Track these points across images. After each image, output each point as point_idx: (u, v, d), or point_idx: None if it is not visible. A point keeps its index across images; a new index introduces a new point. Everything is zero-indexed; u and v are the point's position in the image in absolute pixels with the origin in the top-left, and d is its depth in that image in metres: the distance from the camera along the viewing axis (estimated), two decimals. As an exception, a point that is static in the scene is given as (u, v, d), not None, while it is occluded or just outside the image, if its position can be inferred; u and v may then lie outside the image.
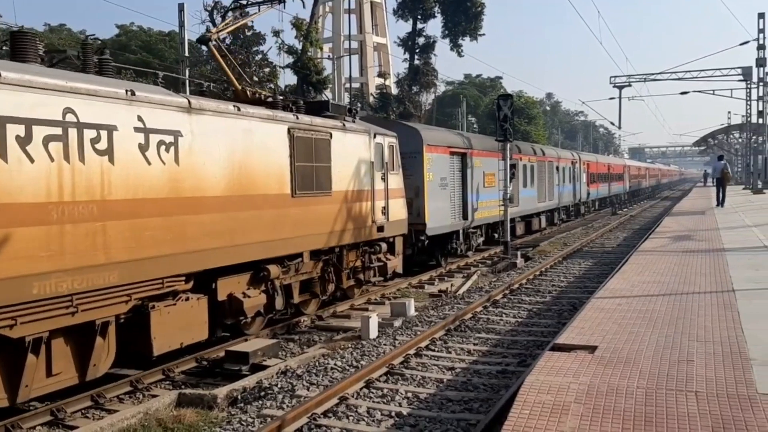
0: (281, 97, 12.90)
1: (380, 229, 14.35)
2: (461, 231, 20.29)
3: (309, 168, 11.80)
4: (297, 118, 11.68)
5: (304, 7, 38.79)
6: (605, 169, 47.42)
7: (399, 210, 15.45)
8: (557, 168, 32.54)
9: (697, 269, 12.46)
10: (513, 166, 23.43)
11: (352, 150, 13.30)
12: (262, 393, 8.29)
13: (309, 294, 12.63)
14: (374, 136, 14.24)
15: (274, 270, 11.01)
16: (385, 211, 14.57)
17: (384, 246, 14.72)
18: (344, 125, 13.08)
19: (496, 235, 24.09)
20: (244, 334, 10.97)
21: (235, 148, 10.07)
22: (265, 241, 10.68)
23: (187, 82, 25.20)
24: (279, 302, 11.37)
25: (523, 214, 26.98)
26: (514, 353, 10.00)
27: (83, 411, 8.17)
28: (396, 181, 15.39)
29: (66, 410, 7.95)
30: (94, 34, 10.32)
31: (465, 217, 20.50)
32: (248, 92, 12.24)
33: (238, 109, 10.24)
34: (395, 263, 15.29)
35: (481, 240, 22.71)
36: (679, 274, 11.96)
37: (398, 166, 15.57)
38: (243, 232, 10.15)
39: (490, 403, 7.74)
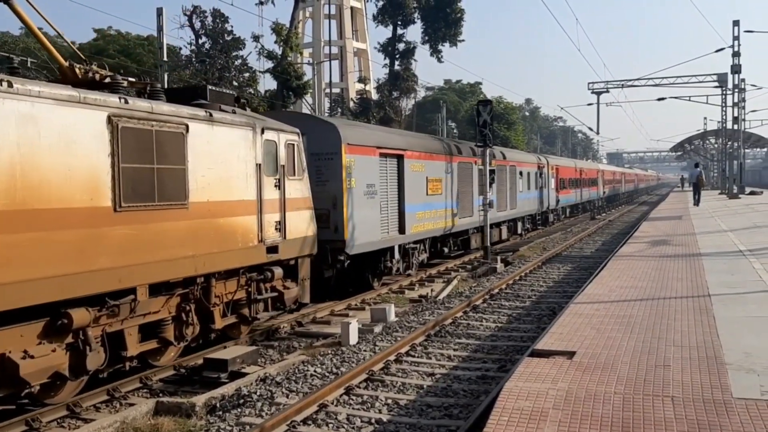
0: (133, 79, 10.13)
1: (272, 249, 11.34)
2: (397, 247, 17.22)
3: (147, 172, 8.76)
4: (125, 102, 8.53)
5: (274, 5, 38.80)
6: (576, 174, 44.57)
7: (303, 225, 12.34)
8: (521, 173, 29.55)
9: (674, 274, 12.60)
10: (492, 172, 23.49)
11: (223, 148, 10.25)
12: (241, 401, 8.23)
13: (158, 341, 9.59)
14: (262, 132, 11.17)
15: (80, 316, 7.91)
16: (280, 226, 11.54)
17: (278, 271, 11.60)
18: (211, 115, 9.95)
19: (446, 249, 21.49)
20: (44, 404, 8.17)
21: (4, 141, 7.15)
22: (65, 275, 7.62)
23: (166, 86, 25.01)
24: (93, 359, 8.19)
25: (479, 225, 23.32)
26: (494, 358, 10.03)
27: (59, 420, 8.06)
28: (298, 188, 12.25)
29: (41, 420, 7.84)
30: None
31: (402, 231, 17.30)
32: (78, 70, 9.18)
33: (9, 85, 7.24)
34: (296, 292, 12.20)
35: (424, 257, 19.52)
36: (656, 279, 12.09)
37: (302, 169, 12.47)
38: (18, 265, 7.16)
39: (470, 409, 7.75)
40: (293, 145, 12.20)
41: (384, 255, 16.68)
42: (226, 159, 10.31)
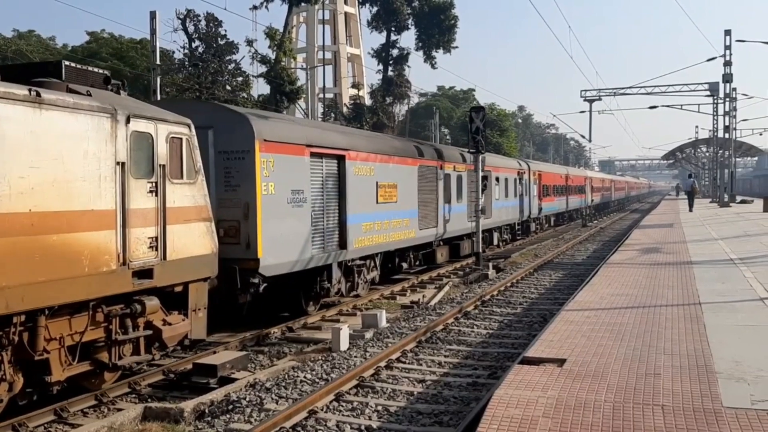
0: None
1: (144, 274, 8.74)
2: (336, 265, 14.46)
3: None
4: None
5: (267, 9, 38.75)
6: (562, 180, 41.98)
7: (194, 241, 9.69)
8: (497, 179, 26.82)
9: (665, 282, 12.63)
10: (485, 178, 23.47)
11: (59, 140, 7.70)
12: (230, 406, 8.18)
13: None
14: (127, 121, 8.54)
15: None
16: (156, 244, 8.94)
17: (152, 303, 8.94)
18: (37, 95, 7.47)
19: (405, 264, 19.06)
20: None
21: None
22: None
23: (158, 89, 24.96)
24: None
25: (447, 236, 21.25)
26: (484, 365, 10.01)
27: (46, 426, 7.98)
28: (188, 195, 9.65)
29: (28, 425, 7.75)
30: None
31: (343, 246, 14.60)
32: None
33: None
34: (183, 328, 9.45)
35: (375, 274, 16.82)
36: (647, 287, 12.11)
37: (195, 171, 9.85)
38: None
39: (460, 416, 7.73)
40: (181, 139, 9.56)
41: (320, 274, 14.01)
42: (63, 155, 7.73)
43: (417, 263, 20.21)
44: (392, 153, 17.45)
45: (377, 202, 16.23)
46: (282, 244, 12.33)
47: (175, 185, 9.38)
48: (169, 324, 9.27)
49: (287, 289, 13.33)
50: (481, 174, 21.73)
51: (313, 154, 13.49)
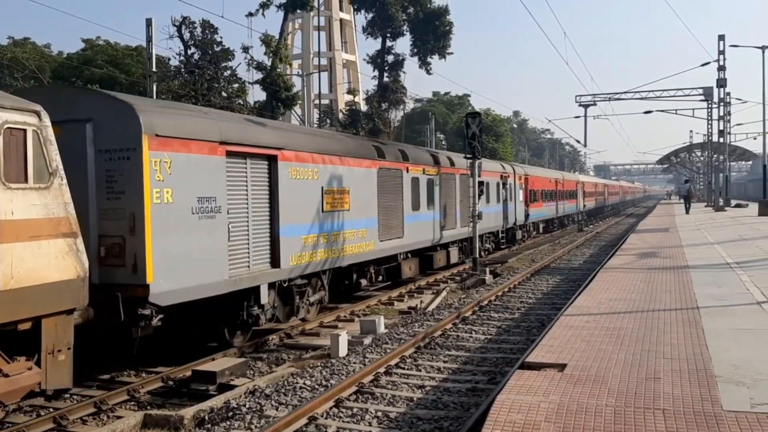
0: None
1: None
2: (265, 287, 11.93)
3: None
4: None
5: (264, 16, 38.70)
6: (551, 185, 40.12)
7: (49, 263, 7.42)
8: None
9: (663, 286, 12.67)
10: (482, 183, 23.46)
11: None
12: (230, 413, 8.16)
13: None
14: None
15: None
16: None
17: None
18: None
19: (364, 281, 16.86)
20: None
21: None
22: None
23: (155, 97, 24.97)
24: None
25: (415, 248, 19.10)
26: (483, 370, 10.02)
27: (45, 434, 7.97)
28: (38, 203, 7.42)
29: (27, 433, 7.74)
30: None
31: (275, 264, 12.18)
32: None
33: None
34: (28, 379, 7.29)
35: (321, 295, 14.41)
36: (645, 291, 12.15)
37: (50, 173, 7.61)
38: None
39: (460, 421, 7.73)
40: (24, 131, 7.41)
41: (248, 299, 11.68)
42: None
43: (380, 279, 18.04)
44: (343, 153, 14.96)
45: (323, 211, 13.93)
46: (184, 265, 9.89)
47: (15, 191, 7.19)
48: (5, 375, 7.07)
49: (205, 316, 11.21)
50: (476, 179, 21.73)
51: (231, 154, 11.10)
